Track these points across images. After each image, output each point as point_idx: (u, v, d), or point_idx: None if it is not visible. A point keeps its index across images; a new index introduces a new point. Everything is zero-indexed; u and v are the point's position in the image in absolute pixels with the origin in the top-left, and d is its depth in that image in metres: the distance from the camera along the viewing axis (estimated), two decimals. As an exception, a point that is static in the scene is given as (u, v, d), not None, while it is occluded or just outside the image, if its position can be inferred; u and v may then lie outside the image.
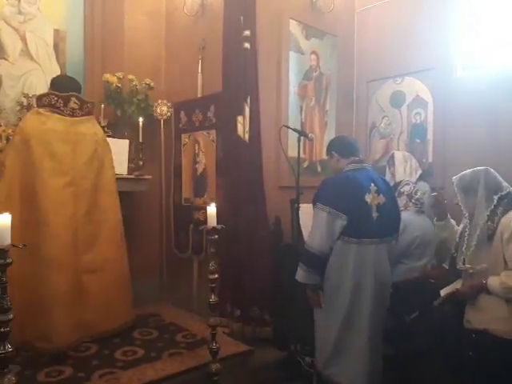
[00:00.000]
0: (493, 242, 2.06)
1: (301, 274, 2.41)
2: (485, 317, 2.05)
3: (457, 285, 2.23)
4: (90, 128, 2.76)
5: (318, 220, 2.36)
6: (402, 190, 2.91)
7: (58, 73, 3.38)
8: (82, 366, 2.40)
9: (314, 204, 2.42)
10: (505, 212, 2.07)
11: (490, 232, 2.07)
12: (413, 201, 2.86)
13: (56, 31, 3.49)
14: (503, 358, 1.95)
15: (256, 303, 2.90)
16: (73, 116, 2.68)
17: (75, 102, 2.68)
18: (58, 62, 3.50)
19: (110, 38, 3.63)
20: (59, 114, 2.63)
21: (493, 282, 2.02)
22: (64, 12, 3.54)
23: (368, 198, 2.37)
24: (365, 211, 2.35)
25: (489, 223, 2.08)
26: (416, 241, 2.76)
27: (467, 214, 2.16)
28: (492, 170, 2.18)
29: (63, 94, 2.65)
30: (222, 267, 3.00)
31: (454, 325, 2.18)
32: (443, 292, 2.27)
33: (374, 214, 2.37)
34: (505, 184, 2.14)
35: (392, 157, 3.34)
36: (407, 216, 2.74)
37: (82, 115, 2.73)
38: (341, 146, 2.58)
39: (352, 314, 2.36)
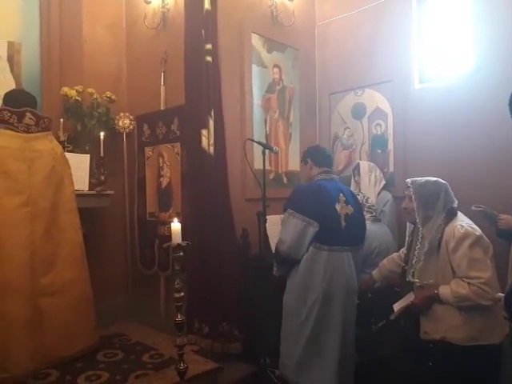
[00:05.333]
0: (440, 253, 2.11)
1: (275, 270, 2.61)
2: (441, 326, 2.08)
3: (409, 298, 2.26)
4: (47, 144, 2.65)
5: (290, 226, 2.45)
6: None
7: (13, 86, 3.24)
8: (41, 394, 2.29)
9: (286, 209, 2.52)
10: (448, 222, 2.12)
11: (436, 243, 2.11)
12: (365, 209, 2.95)
13: (10, 43, 3.36)
14: (462, 365, 1.99)
15: (225, 318, 2.86)
16: (28, 132, 2.57)
17: (30, 118, 2.57)
18: (13, 75, 3.36)
19: (68, 50, 3.52)
20: (13, 130, 2.51)
21: (444, 291, 2.06)
22: (19, 23, 3.41)
23: (337, 207, 2.48)
24: (335, 219, 2.46)
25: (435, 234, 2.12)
26: (375, 251, 2.84)
27: (420, 227, 2.17)
28: (448, 184, 2.23)
29: (17, 109, 2.55)
30: (190, 283, 2.96)
31: (412, 337, 2.22)
32: (396, 307, 2.30)
33: (343, 224, 2.48)
34: (454, 198, 2.20)
35: (357, 166, 3.41)
36: None
37: (39, 131, 2.62)
38: (317, 155, 2.70)
39: (322, 321, 2.41)
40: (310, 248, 2.43)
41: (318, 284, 2.41)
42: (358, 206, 2.68)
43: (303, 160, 2.77)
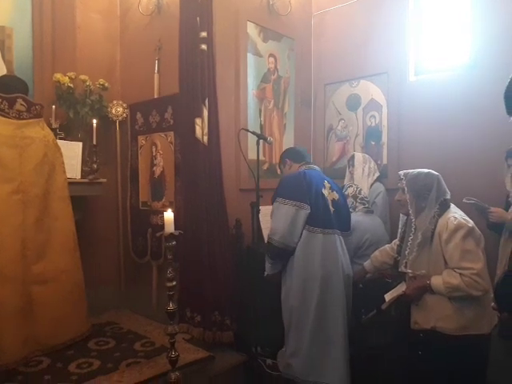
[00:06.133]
0: (432, 244, 2.12)
1: (268, 267, 2.57)
2: (432, 316, 2.11)
3: (401, 288, 2.28)
4: (38, 131, 2.63)
5: (281, 213, 2.46)
6: (346, 193, 3.00)
7: (4, 71, 3.19)
8: (32, 381, 2.28)
9: (274, 200, 2.53)
10: (441, 213, 2.13)
11: (429, 234, 2.12)
12: (358, 200, 2.97)
13: (1, 28, 3.29)
14: (451, 354, 2.02)
15: (217, 308, 2.87)
16: (19, 119, 2.54)
17: (22, 104, 2.55)
18: (4, 61, 3.31)
19: (61, 36, 3.46)
20: (4, 116, 2.48)
21: (436, 281, 2.08)
22: (10, 7, 3.34)
23: (324, 192, 2.54)
24: (324, 203, 2.51)
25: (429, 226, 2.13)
26: (366, 243, 2.85)
27: (413, 218, 2.19)
28: (440, 176, 2.24)
29: (8, 95, 2.51)
30: (182, 272, 2.97)
31: (403, 326, 2.24)
32: (387, 296, 2.33)
33: (331, 208, 2.53)
34: (447, 189, 2.21)
35: (352, 157, 3.42)
36: (356, 217, 2.82)
37: (30, 118, 2.59)
38: (293, 154, 2.81)
39: (323, 309, 2.43)
40: (304, 232, 2.45)
41: (316, 268, 2.42)
42: (343, 194, 2.76)
43: (282, 163, 2.84)
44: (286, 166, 2.79)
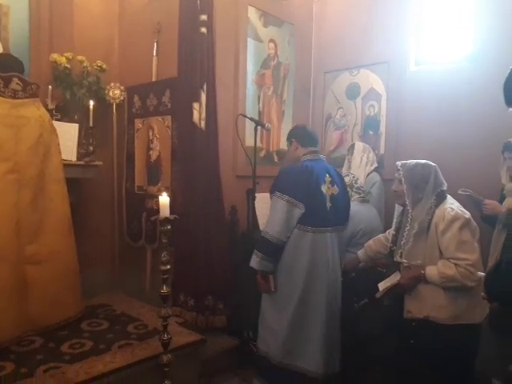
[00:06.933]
0: (429, 234, 2.13)
1: (256, 261, 2.46)
2: (425, 305, 2.12)
3: (395, 278, 2.29)
4: (34, 111, 2.59)
5: (277, 208, 2.42)
6: None
7: (0, 50, 3.14)
8: (25, 360, 2.29)
9: (272, 192, 2.48)
10: (438, 204, 2.14)
11: (426, 224, 2.13)
12: (354, 190, 2.98)
13: (-3, 5, 3.24)
14: (443, 343, 2.04)
15: (210, 292, 2.89)
16: (15, 98, 2.51)
17: (17, 83, 2.51)
18: (0, 39, 3.25)
19: (58, 15, 3.40)
20: (-1, 95, 2.46)
21: (431, 271, 2.09)
22: (6, -16, 3.29)
23: (324, 188, 2.47)
24: (321, 201, 2.45)
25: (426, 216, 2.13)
26: (360, 232, 2.85)
27: (410, 209, 2.19)
28: (437, 167, 2.23)
29: (4, 74, 2.48)
30: (177, 256, 2.98)
31: (396, 316, 2.26)
32: (381, 286, 2.34)
33: (328, 204, 2.48)
34: (444, 181, 2.22)
35: (352, 146, 3.42)
36: (351, 206, 2.82)
37: (26, 97, 2.56)
38: (301, 135, 2.63)
39: (306, 300, 2.43)
40: (295, 230, 2.41)
41: (303, 264, 2.41)
42: (343, 186, 2.67)
43: (288, 140, 2.69)
44: (292, 146, 2.63)
